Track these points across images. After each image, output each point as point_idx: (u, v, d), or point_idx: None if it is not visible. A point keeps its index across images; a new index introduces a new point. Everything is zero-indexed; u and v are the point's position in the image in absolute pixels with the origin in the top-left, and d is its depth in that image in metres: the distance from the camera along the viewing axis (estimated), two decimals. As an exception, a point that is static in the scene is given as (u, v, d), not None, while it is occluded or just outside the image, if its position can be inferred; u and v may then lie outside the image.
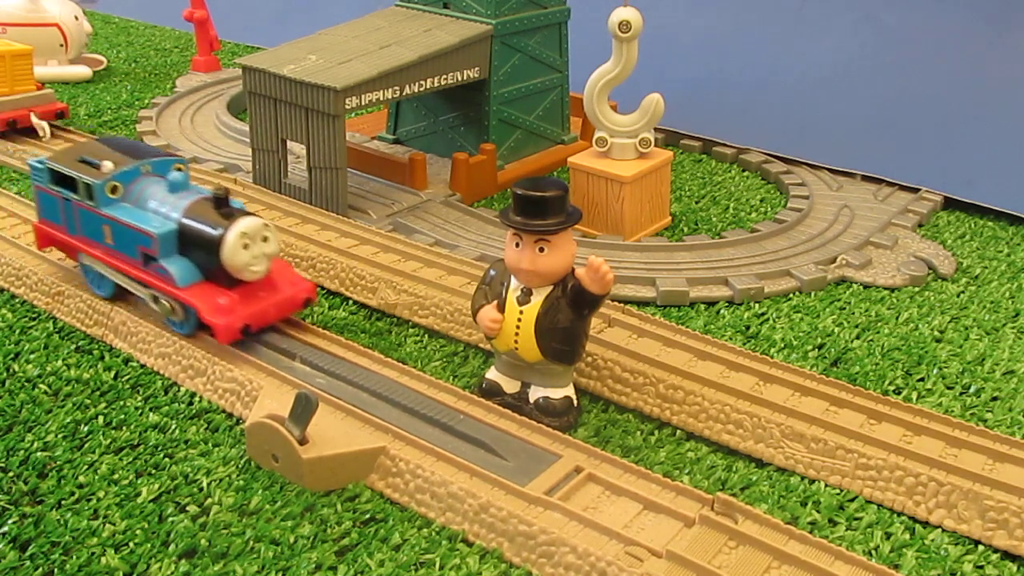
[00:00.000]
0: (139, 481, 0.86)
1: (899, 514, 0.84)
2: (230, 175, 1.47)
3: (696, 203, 1.50)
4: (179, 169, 1.06)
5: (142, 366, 1.03)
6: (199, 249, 1.00)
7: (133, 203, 1.05)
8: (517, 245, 0.89)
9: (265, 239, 0.99)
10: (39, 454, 0.88)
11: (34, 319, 1.12)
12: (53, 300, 1.13)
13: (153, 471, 0.87)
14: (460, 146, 1.57)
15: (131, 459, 0.89)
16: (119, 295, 1.08)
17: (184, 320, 1.01)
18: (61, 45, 2.07)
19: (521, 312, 0.90)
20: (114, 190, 1.05)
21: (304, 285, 1.04)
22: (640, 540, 0.75)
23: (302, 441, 0.84)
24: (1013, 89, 1.51)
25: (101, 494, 0.84)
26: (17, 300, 1.16)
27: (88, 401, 0.97)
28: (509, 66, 1.54)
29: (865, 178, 1.57)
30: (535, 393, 0.94)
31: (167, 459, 0.89)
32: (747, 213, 1.46)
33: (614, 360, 0.99)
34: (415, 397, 0.93)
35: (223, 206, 1.00)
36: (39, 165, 1.11)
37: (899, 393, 1.00)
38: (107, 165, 1.05)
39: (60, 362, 1.03)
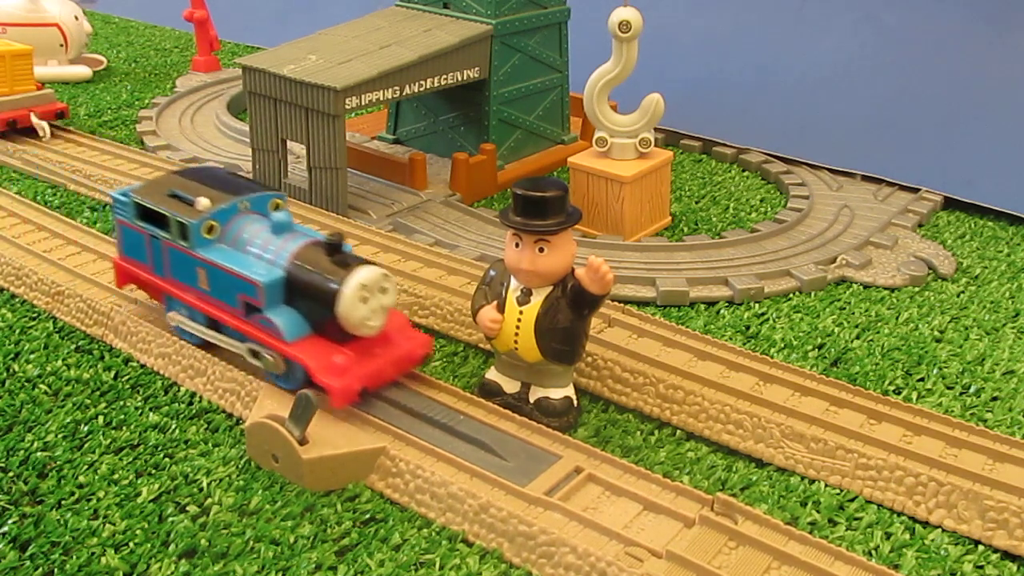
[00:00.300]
0: (139, 481, 0.86)
1: (899, 514, 0.84)
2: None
3: (696, 203, 1.50)
4: (278, 205, 0.98)
5: (142, 366, 1.03)
6: (310, 301, 0.90)
7: (231, 244, 0.95)
8: (517, 245, 0.89)
9: (384, 290, 0.89)
10: (39, 454, 0.88)
11: (34, 319, 1.12)
12: (53, 300, 1.13)
13: (153, 471, 0.87)
14: (460, 146, 1.57)
15: (131, 459, 0.89)
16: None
17: (290, 376, 0.91)
18: (61, 45, 2.07)
19: (521, 312, 0.90)
20: (211, 230, 0.95)
21: (421, 339, 0.94)
22: (640, 540, 0.75)
23: (302, 441, 0.84)
24: (1013, 89, 1.51)
25: (101, 494, 0.84)
26: (17, 300, 1.16)
27: (88, 401, 0.97)
28: (509, 66, 1.54)
29: (865, 178, 1.57)
30: (535, 393, 0.94)
31: (167, 459, 0.89)
32: (747, 213, 1.46)
33: (614, 360, 0.99)
34: (415, 397, 0.93)
35: (336, 253, 0.90)
36: (123, 198, 1.01)
37: (899, 393, 1.00)
38: (203, 202, 0.95)
39: (60, 362, 1.03)
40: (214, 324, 0.98)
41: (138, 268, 1.04)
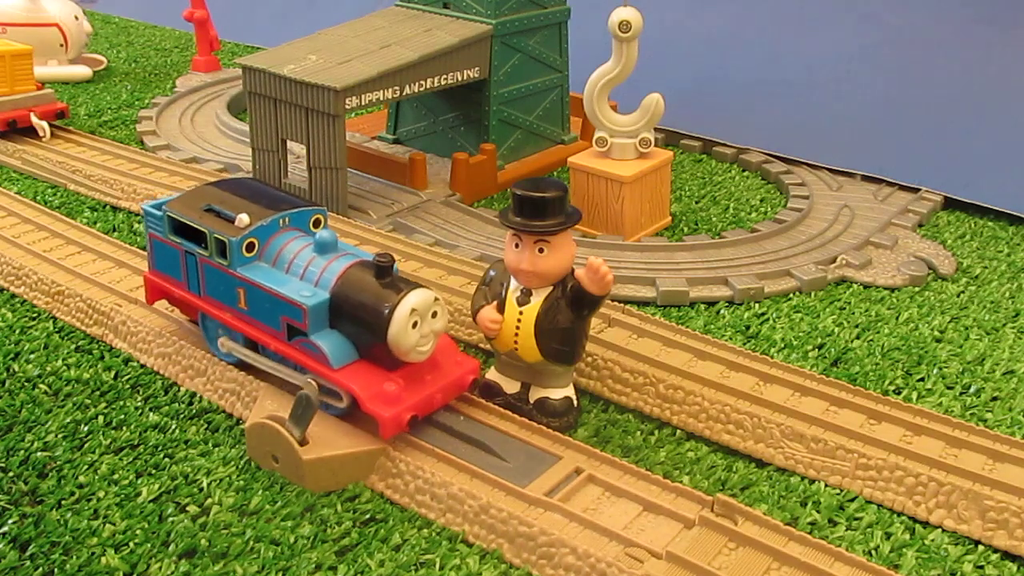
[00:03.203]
0: (139, 481, 0.86)
1: (899, 514, 0.84)
2: (230, 175, 1.47)
3: (696, 203, 1.50)
4: (319, 221, 0.95)
5: (142, 366, 1.03)
6: (357, 326, 0.86)
7: (272, 263, 0.91)
8: (517, 246, 0.89)
9: (435, 315, 0.85)
10: (39, 454, 0.88)
11: (34, 319, 1.12)
12: (53, 300, 1.13)
13: (153, 471, 0.87)
14: (460, 146, 1.57)
15: (131, 459, 0.89)
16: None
17: (337, 402, 0.88)
18: (61, 45, 2.07)
19: (521, 313, 0.90)
20: (250, 248, 0.91)
21: (469, 364, 0.91)
22: (640, 541, 0.75)
23: (302, 442, 0.84)
24: (1013, 89, 1.51)
25: (101, 494, 0.84)
26: (17, 300, 1.16)
27: (88, 401, 0.97)
28: (509, 66, 1.54)
29: (865, 178, 1.57)
30: (535, 393, 0.94)
31: (167, 459, 0.89)
32: (747, 213, 1.46)
33: (614, 360, 0.99)
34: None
35: (385, 275, 0.85)
36: (156, 212, 0.97)
37: (899, 393, 1.00)
38: (243, 219, 0.91)
39: (60, 362, 1.03)
40: (252, 345, 0.95)
41: (171, 285, 1.00)
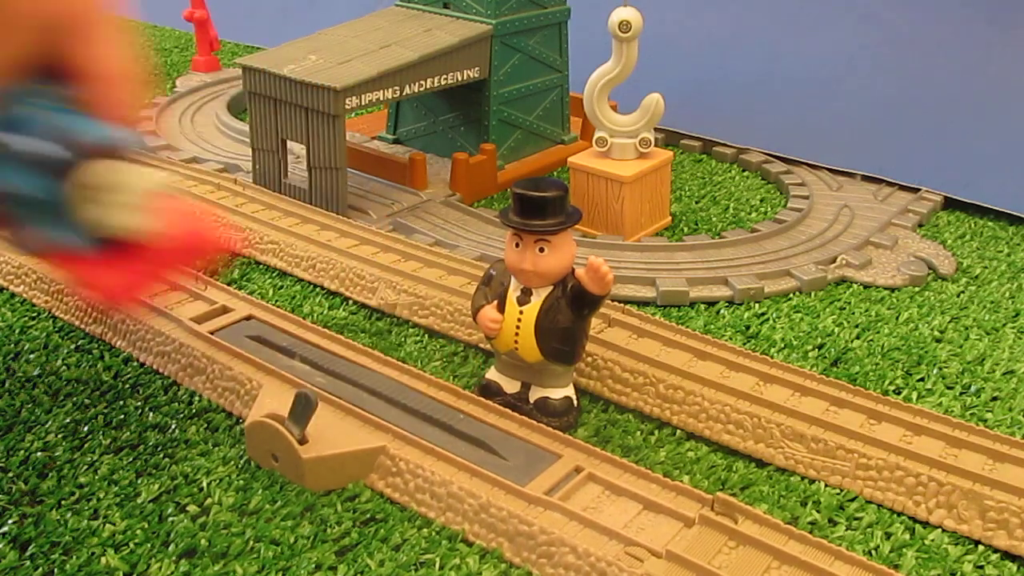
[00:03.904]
0: (139, 481, 0.86)
1: (899, 514, 0.84)
2: (230, 175, 1.47)
3: (696, 203, 1.50)
4: None
5: (142, 365, 1.03)
6: None
7: None
8: (517, 246, 0.89)
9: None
10: (39, 454, 0.88)
11: (34, 318, 1.12)
12: (52, 298, 1.13)
13: (153, 471, 0.87)
14: (460, 146, 1.57)
15: (131, 459, 0.89)
16: None
17: None
18: (61, 45, 2.06)
19: (521, 312, 0.90)
20: None
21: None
22: (640, 540, 0.75)
23: (302, 441, 0.84)
24: (1013, 89, 1.51)
25: (101, 494, 0.84)
26: (17, 299, 1.16)
27: (88, 401, 0.97)
28: (509, 66, 1.54)
29: (865, 178, 1.57)
30: (535, 393, 0.94)
31: (167, 459, 0.89)
32: (747, 213, 1.46)
33: (614, 360, 0.99)
34: (415, 397, 0.93)
35: None
36: None
37: (899, 393, 1.00)
38: None
39: (60, 362, 1.03)
40: None
41: None
